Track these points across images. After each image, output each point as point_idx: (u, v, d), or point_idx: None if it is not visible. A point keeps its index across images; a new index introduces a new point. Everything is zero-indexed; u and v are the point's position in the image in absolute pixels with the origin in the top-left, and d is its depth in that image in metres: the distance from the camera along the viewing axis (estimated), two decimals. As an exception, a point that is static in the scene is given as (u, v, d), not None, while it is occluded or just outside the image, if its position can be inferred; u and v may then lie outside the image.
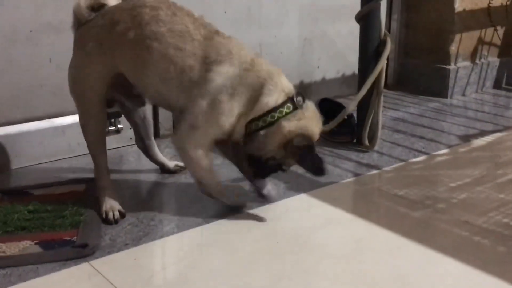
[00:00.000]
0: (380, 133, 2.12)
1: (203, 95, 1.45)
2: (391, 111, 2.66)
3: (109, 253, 1.38)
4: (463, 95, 2.97)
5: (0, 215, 1.53)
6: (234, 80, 1.45)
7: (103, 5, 1.58)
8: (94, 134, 1.60)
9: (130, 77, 1.55)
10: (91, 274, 1.29)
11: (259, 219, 1.57)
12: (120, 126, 2.10)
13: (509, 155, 2.10)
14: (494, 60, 3.10)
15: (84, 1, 1.57)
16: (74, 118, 1.98)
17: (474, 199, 1.70)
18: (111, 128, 2.09)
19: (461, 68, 2.93)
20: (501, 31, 3.07)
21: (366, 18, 2.07)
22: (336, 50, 2.86)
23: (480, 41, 3.00)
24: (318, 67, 2.81)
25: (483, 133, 2.33)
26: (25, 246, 1.39)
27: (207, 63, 1.46)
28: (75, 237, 1.43)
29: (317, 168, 1.50)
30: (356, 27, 2.13)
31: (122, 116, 1.89)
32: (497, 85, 3.14)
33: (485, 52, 3.05)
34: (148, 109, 1.83)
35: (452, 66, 2.91)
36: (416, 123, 2.49)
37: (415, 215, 1.61)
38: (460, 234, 1.50)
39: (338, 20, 2.82)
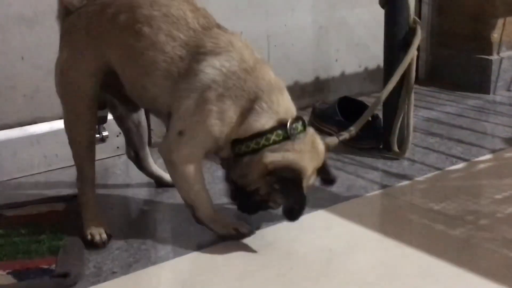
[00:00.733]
0: (411, 137, 2.11)
1: (190, 92, 1.45)
2: (424, 110, 2.66)
3: (94, 283, 1.38)
4: (508, 90, 2.97)
5: (-34, 240, 1.53)
6: (228, 78, 1.45)
7: None
8: (82, 140, 1.60)
9: (118, 71, 1.56)
10: (73, 309, 1.30)
11: (269, 240, 1.56)
12: (105, 133, 2.10)
13: None
14: (544, 49, 3.09)
15: None
16: (51, 126, 2.01)
17: (523, 213, 1.70)
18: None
19: (505, 59, 2.92)
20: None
21: (391, 2, 2.07)
22: (357, 40, 2.86)
23: (527, 27, 3.00)
24: (336, 60, 2.81)
25: (533, 135, 2.33)
26: (-4, 276, 1.39)
27: (201, 53, 1.47)
28: (54, 265, 1.43)
29: (290, 209, 1.46)
30: (380, 13, 2.13)
31: (107, 122, 1.89)
32: (548, 77, 3.13)
33: (533, 39, 3.04)
34: (143, 115, 1.83)
35: (494, 57, 2.90)
36: (453, 125, 2.48)
37: (454, 234, 1.60)
38: (507, 255, 1.49)
39: (359, 5, 2.82)
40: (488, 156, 2.13)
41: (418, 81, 3.02)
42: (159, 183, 1.89)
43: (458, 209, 1.73)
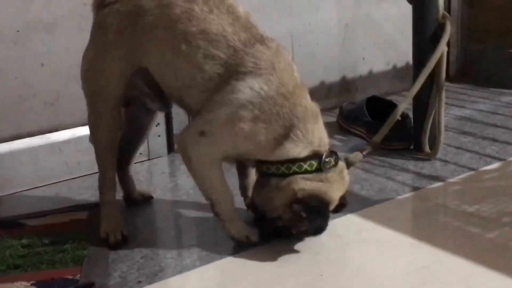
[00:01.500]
0: (443, 136, 2.10)
1: (223, 104, 1.46)
2: (456, 108, 2.65)
3: (119, 293, 1.40)
4: (544, 85, 2.94)
5: (-11, 251, 1.56)
6: (265, 101, 1.46)
7: None
8: (105, 140, 1.63)
9: (155, 76, 1.58)
10: (99, 320, 1.32)
11: (297, 247, 1.57)
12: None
13: None
14: None
15: None
16: (73, 133, 2.03)
17: None
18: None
19: (540, 53, 2.90)
20: None
21: (420, -3, 2.07)
22: (384, 37, 2.85)
23: None
24: (363, 59, 2.81)
25: None
26: (20, 287, 1.41)
27: (240, 72, 1.48)
28: (79, 275, 1.44)
29: (313, 233, 1.51)
30: (408, 7, 2.13)
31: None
32: None
33: None
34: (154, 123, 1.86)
35: (528, 51, 2.88)
36: (487, 123, 2.46)
37: (490, 236, 1.59)
38: (547, 258, 1.48)
39: (386, 0, 2.82)
40: (524, 155, 2.12)
41: (449, 78, 3.01)
42: (127, 194, 1.85)
43: (494, 210, 1.72)
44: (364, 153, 1.83)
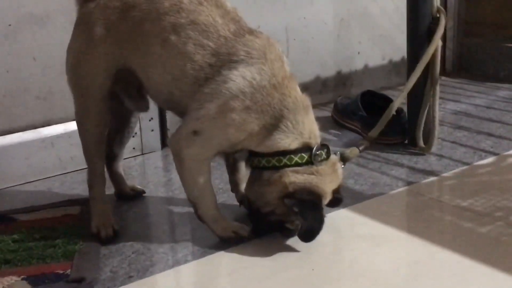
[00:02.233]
0: (437, 131, 2.11)
1: (215, 97, 1.46)
2: (451, 103, 2.65)
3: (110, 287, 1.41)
4: (541, 80, 2.94)
5: (-20, 246, 1.56)
6: (257, 91, 1.46)
7: None
8: (93, 134, 1.63)
9: (141, 75, 1.58)
10: (89, 314, 1.32)
11: (289, 241, 1.57)
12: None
13: None
14: None
15: None
16: (65, 127, 2.03)
17: (556, 209, 1.69)
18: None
19: (536, 47, 2.90)
20: None
21: (414, -10, 2.07)
22: (380, 31, 2.85)
23: (560, 12, 2.97)
24: (358, 53, 2.81)
25: None
26: (11, 282, 1.41)
27: (233, 61, 1.48)
28: (70, 270, 1.45)
29: (309, 230, 1.49)
30: (404, 2, 2.13)
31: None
32: None
33: None
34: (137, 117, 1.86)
35: (525, 45, 2.88)
36: (482, 117, 2.47)
37: (483, 231, 1.59)
38: (539, 252, 1.48)
39: (381, -6, 2.82)
40: (519, 150, 2.12)
41: (445, 72, 3.02)
42: (118, 189, 1.86)
43: (487, 205, 1.72)
44: (361, 148, 1.84)
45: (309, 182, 1.49)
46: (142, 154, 2.23)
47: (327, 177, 1.52)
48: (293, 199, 1.47)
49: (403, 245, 1.56)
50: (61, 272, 1.44)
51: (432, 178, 1.92)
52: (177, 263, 1.50)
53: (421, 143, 2.12)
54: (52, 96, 2.03)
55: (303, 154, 1.49)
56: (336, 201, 1.59)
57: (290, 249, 1.54)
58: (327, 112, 2.54)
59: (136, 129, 2.14)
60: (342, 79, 2.78)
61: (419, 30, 2.08)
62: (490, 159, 2.05)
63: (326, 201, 1.54)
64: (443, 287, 1.36)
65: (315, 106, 1.56)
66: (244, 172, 1.71)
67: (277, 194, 1.50)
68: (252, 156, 1.53)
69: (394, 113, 2.06)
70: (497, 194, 1.79)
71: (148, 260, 1.51)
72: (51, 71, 2.00)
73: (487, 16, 3.00)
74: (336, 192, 1.56)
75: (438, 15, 2.05)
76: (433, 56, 2.03)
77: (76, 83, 1.62)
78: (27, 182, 2.00)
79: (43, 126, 2.04)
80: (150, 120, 2.22)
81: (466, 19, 3.08)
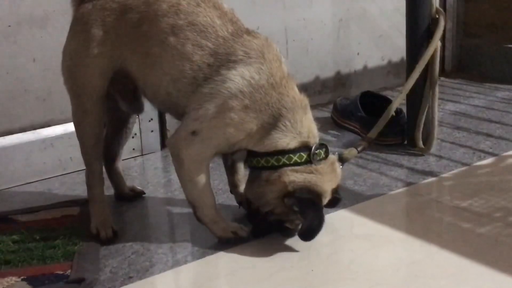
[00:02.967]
0: (436, 131, 2.11)
1: (213, 97, 1.47)
2: (450, 103, 2.65)
3: (110, 288, 1.41)
4: (540, 80, 2.94)
5: (-20, 247, 1.56)
6: (255, 91, 1.47)
7: None
8: (90, 135, 1.64)
9: (138, 76, 1.58)
10: (89, 315, 1.32)
11: (289, 242, 1.57)
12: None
13: None
14: None
15: None
16: (65, 128, 2.03)
17: (555, 209, 1.69)
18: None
19: (536, 48, 2.90)
20: None
21: (413, -9, 2.07)
22: (379, 32, 2.86)
23: (559, 13, 2.97)
24: (358, 54, 2.81)
25: None
26: (10, 283, 1.41)
27: (231, 61, 1.48)
28: (69, 271, 1.45)
29: (309, 228, 1.49)
30: (403, 3, 2.13)
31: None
32: None
33: None
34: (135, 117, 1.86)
35: (524, 46, 2.88)
36: (481, 118, 2.47)
37: (481, 231, 1.59)
38: (538, 253, 1.49)
39: (381, -5, 2.82)
40: (518, 150, 2.12)
41: (444, 73, 3.02)
42: (118, 190, 1.86)
43: (486, 206, 1.72)
44: (359, 149, 1.85)
45: (309, 181, 1.49)
46: (142, 155, 2.23)
47: (326, 176, 1.52)
48: (293, 198, 1.48)
49: (402, 246, 1.56)
50: (61, 273, 1.45)
51: (431, 179, 1.92)
52: (176, 263, 1.50)
53: (420, 143, 2.12)
54: (52, 97, 2.04)
55: (301, 153, 1.50)
56: (335, 202, 1.59)
57: (289, 249, 1.54)
58: (326, 113, 2.54)
59: (136, 130, 2.14)
60: (341, 80, 2.78)
61: (418, 31, 2.08)
62: (489, 160, 2.05)
63: (325, 200, 1.54)
64: (441, 287, 1.37)
65: (314, 106, 1.57)
66: (243, 173, 1.71)
67: (277, 193, 1.50)
68: (251, 156, 1.53)
69: (393, 113, 2.07)
70: (496, 194, 1.79)
71: (148, 260, 1.51)
72: (51, 72, 2.00)
73: (486, 17, 3.00)
74: (334, 192, 1.57)
75: (437, 16, 2.05)
76: (432, 57, 2.03)
77: (73, 84, 1.62)
78: (26, 183, 2.00)
79: (42, 127, 2.05)
80: (149, 121, 2.22)
81: (465, 20, 3.09)
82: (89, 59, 1.58)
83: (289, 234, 1.58)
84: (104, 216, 1.64)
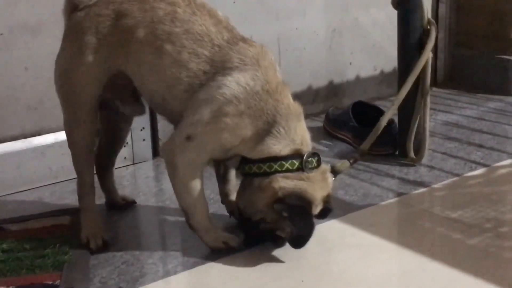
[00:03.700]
0: (428, 142, 2.12)
1: (208, 102, 1.47)
2: (442, 114, 2.66)
3: (99, 299, 1.40)
4: (531, 91, 2.95)
5: (-31, 256, 1.56)
6: (250, 97, 1.47)
7: None
8: (82, 145, 1.63)
9: (135, 81, 1.58)
10: (78, 325, 1.32)
11: (279, 252, 1.57)
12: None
13: None
14: None
15: None
16: (56, 137, 2.03)
17: (546, 221, 1.70)
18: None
19: (527, 59, 2.91)
20: None
21: (405, 3, 2.08)
22: (372, 42, 2.86)
23: (550, 24, 2.99)
24: (350, 64, 2.82)
25: (556, 138, 2.32)
26: (-1, 293, 1.41)
27: (227, 68, 1.49)
28: (59, 281, 1.45)
29: (299, 235, 1.50)
30: (395, 13, 2.14)
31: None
32: None
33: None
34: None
35: (516, 57, 2.89)
36: (473, 128, 2.47)
37: (472, 242, 1.60)
38: (528, 264, 1.49)
39: (373, 5, 2.83)
40: (509, 161, 2.12)
41: (436, 83, 3.02)
42: (109, 199, 1.85)
43: (476, 216, 1.73)
44: (351, 161, 1.85)
45: (299, 187, 1.49)
46: (133, 163, 2.22)
47: (317, 184, 1.52)
48: (282, 204, 1.48)
49: (393, 256, 1.56)
50: (50, 283, 1.44)
51: (422, 189, 1.92)
52: (167, 274, 1.50)
53: (411, 154, 2.12)
54: (43, 105, 2.03)
55: (294, 161, 1.49)
56: (326, 212, 1.59)
57: (280, 260, 1.54)
58: (318, 123, 2.54)
59: (128, 139, 2.13)
60: (334, 90, 2.78)
61: (410, 42, 2.09)
62: (481, 171, 2.05)
63: (316, 208, 1.53)
64: (432, 298, 1.37)
65: (307, 116, 1.57)
66: (234, 182, 1.71)
67: (267, 200, 1.50)
68: (244, 163, 1.53)
69: (385, 124, 2.07)
70: (486, 205, 1.79)
71: (138, 271, 1.51)
72: (43, 81, 1.99)
73: (478, 27, 3.01)
74: (325, 201, 1.56)
75: (429, 27, 2.06)
76: (424, 68, 2.03)
77: (66, 93, 1.62)
78: (17, 192, 1.99)
79: (34, 135, 2.04)
80: (141, 130, 2.21)
81: (457, 30, 3.09)
82: (82, 67, 1.58)
83: (280, 242, 1.57)
84: (95, 226, 1.63)
